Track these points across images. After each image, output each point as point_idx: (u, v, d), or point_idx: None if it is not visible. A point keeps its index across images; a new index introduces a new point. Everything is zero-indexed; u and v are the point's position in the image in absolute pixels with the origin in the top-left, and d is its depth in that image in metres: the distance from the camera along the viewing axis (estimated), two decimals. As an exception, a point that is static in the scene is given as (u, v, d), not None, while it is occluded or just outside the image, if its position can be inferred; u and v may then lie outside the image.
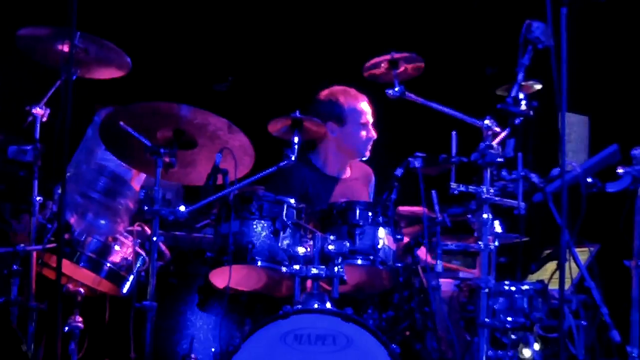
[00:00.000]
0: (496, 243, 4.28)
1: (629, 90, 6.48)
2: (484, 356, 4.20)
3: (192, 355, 4.72)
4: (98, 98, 4.97)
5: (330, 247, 4.27)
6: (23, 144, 4.64)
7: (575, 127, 6.28)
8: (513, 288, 4.30)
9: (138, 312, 4.24)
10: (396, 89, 4.71)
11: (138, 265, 4.75)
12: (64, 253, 4.59)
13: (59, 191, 4.31)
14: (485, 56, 6.54)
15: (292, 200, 4.40)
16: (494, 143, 4.33)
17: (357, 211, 4.42)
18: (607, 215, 4.62)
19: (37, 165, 4.64)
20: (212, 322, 4.80)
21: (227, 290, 4.33)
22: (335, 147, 5.29)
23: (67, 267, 4.69)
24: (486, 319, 4.22)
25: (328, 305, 4.24)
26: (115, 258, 4.74)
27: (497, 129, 4.39)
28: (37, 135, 4.72)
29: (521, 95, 4.28)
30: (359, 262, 4.38)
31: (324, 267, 4.25)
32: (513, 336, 4.28)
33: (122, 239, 4.77)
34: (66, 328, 4.71)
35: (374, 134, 5.27)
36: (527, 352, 4.32)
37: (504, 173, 4.31)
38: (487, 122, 4.38)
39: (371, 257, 4.39)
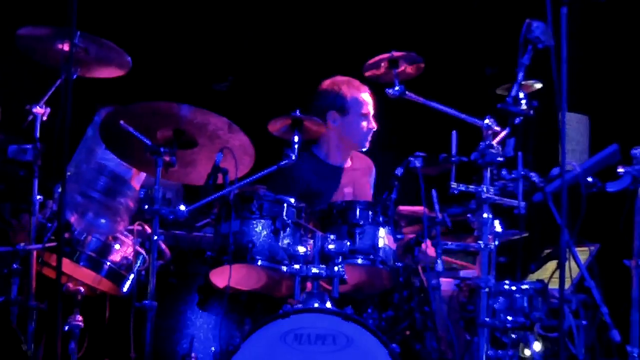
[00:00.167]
0: (496, 242, 4.28)
1: (629, 90, 6.48)
2: (484, 356, 4.20)
3: (192, 355, 4.71)
4: (98, 97, 4.97)
5: (331, 246, 4.28)
6: (23, 143, 4.63)
7: (575, 126, 6.28)
8: (513, 288, 4.30)
9: (138, 311, 4.24)
10: (396, 89, 4.71)
11: (138, 264, 4.75)
12: (64, 252, 4.60)
13: (59, 190, 4.31)
14: (486, 56, 6.54)
15: (292, 200, 4.41)
16: (494, 143, 4.33)
17: (357, 211, 4.42)
18: (607, 215, 4.62)
19: (37, 164, 4.64)
20: (212, 321, 4.80)
21: (227, 289, 4.33)
22: (336, 137, 5.31)
23: (67, 266, 4.69)
24: (486, 319, 4.22)
25: (328, 304, 4.24)
26: (116, 257, 4.74)
27: (497, 129, 4.39)
28: (37, 135, 4.72)
29: (521, 95, 4.27)
30: (359, 261, 4.39)
31: (324, 266, 4.26)
32: (513, 336, 4.28)
33: (122, 238, 4.77)
34: (66, 327, 4.70)
35: (374, 125, 5.30)
36: (528, 352, 4.32)
37: (504, 172, 4.31)
38: (487, 121, 4.38)
39: (371, 257, 4.39)
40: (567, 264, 4.04)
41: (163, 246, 4.74)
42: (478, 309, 4.24)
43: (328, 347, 4.09)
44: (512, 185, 4.31)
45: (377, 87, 5.13)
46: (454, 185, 4.26)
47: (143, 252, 4.75)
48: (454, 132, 4.35)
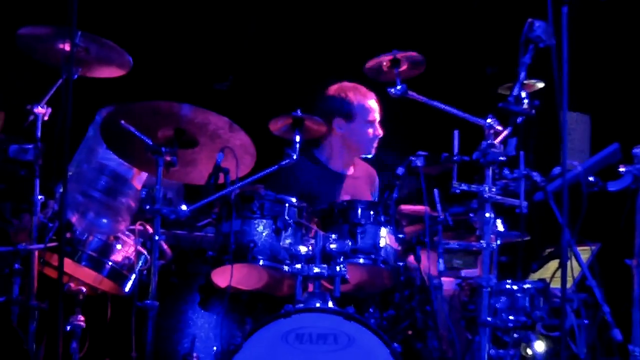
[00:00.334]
0: (498, 242, 4.28)
1: (630, 89, 6.48)
2: (485, 355, 4.20)
3: (194, 355, 4.71)
4: (99, 97, 4.96)
5: (332, 246, 4.27)
6: (24, 143, 4.63)
7: (576, 126, 6.28)
8: (515, 287, 4.30)
9: (139, 311, 4.25)
10: (398, 88, 4.71)
11: (139, 264, 4.75)
12: (66, 252, 4.60)
13: (60, 190, 4.31)
14: (487, 55, 6.54)
15: (294, 199, 4.41)
16: (496, 142, 4.33)
17: (359, 210, 4.42)
18: (608, 214, 4.62)
19: (38, 164, 4.64)
20: (213, 321, 4.80)
21: (228, 289, 4.33)
22: (341, 143, 5.30)
23: (69, 266, 4.69)
24: (488, 318, 4.22)
25: (330, 304, 4.24)
26: (117, 257, 4.74)
27: (499, 128, 4.39)
28: (38, 135, 4.72)
29: (523, 94, 4.27)
30: (361, 261, 4.39)
31: (325, 266, 4.25)
32: (515, 335, 4.28)
33: (123, 238, 4.77)
34: (67, 327, 4.70)
35: (380, 132, 5.29)
36: (530, 351, 4.32)
37: (505, 172, 4.31)
38: (489, 121, 4.38)
39: (373, 256, 4.39)
40: (568, 263, 4.04)
41: (164, 246, 4.74)
42: (479, 308, 4.24)
43: (329, 346, 4.09)
44: (513, 184, 4.31)
45: (379, 87, 5.12)
46: (455, 184, 4.26)
47: (144, 251, 4.75)
48: (455, 132, 4.35)
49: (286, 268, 4.26)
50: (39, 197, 4.65)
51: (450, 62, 6.51)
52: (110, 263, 4.72)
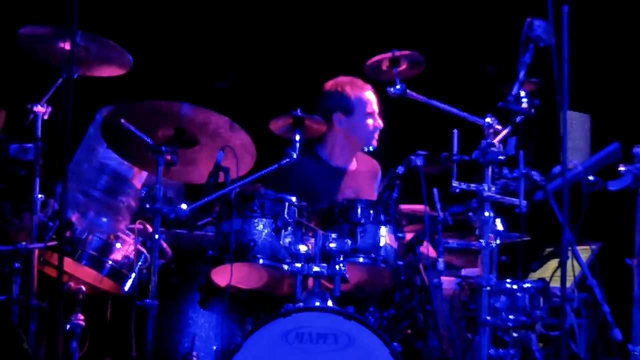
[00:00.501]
0: (497, 241, 4.28)
1: (631, 88, 6.47)
2: (485, 355, 4.20)
3: (194, 354, 4.71)
4: (99, 96, 4.97)
5: (332, 245, 4.27)
6: (24, 143, 4.63)
7: (576, 125, 6.28)
8: (514, 286, 4.30)
9: (139, 310, 4.25)
10: (397, 87, 4.71)
11: (139, 263, 4.75)
12: (66, 251, 4.60)
13: (60, 189, 4.31)
14: (487, 54, 6.54)
15: (294, 199, 4.40)
16: (496, 141, 4.33)
17: (359, 209, 4.42)
18: (608, 214, 4.62)
19: (39, 163, 4.64)
20: (213, 320, 4.79)
21: (228, 288, 4.33)
22: (342, 138, 5.31)
23: (69, 265, 4.69)
24: (488, 318, 4.22)
25: (329, 303, 4.24)
26: (117, 256, 4.74)
27: (499, 127, 4.39)
28: (39, 134, 4.72)
29: (522, 94, 4.27)
30: (361, 260, 4.39)
31: (325, 265, 4.25)
32: (515, 334, 4.28)
33: (123, 237, 4.77)
34: (67, 326, 4.70)
35: (380, 123, 5.30)
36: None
37: (505, 171, 4.31)
38: (488, 120, 4.38)
39: (373, 256, 4.39)
40: (568, 262, 4.04)
41: (164, 245, 4.73)
42: (479, 308, 4.24)
43: (329, 346, 4.09)
44: (513, 184, 4.31)
45: (378, 86, 5.13)
46: (455, 184, 4.26)
47: (144, 251, 4.75)
48: (455, 131, 4.35)
49: (286, 267, 4.26)
50: (39, 196, 4.65)
51: (450, 61, 6.51)
52: (110, 262, 4.72)
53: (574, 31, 3.84)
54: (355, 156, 5.41)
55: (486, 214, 4.27)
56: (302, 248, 4.27)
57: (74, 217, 4.67)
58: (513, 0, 5.81)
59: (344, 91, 5.28)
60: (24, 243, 4.60)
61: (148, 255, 4.71)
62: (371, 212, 4.43)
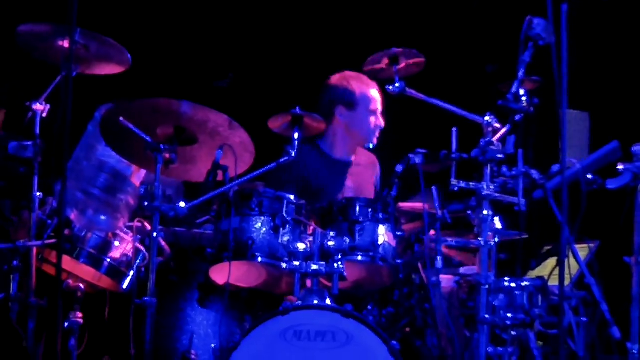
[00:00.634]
0: (496, 239, 4.28)
1: (630, 86, 6.47)
2: (484, 353, 4.20)
3: (192, 352, 4.72)
4: (98, 94, 4.96)
5: (330, 243, 4.28)
6: (23, 140, 4.63)
7: (575, 123, 6.27)
8: (513, 285, 4.30)
9: (138, 308, 4.24)
10: (397, 85, 4.71)
11: (138, 261, 4.75)
12: (64, 249, 4.60)
13: (59, 187, 4.31)
14: (486, 52, 6.54)
15: (292, 197, 4.40)
16: (495, 140, 4.33)
17: (357, 207, 4.42)
18: (607, 212, 4.62)
19: (38, 161, 4.64)
20: (212, 318, 4.80)
21: (227, 286, 4.33)
22: (343, 131, 5.31)
23: (67, 263, 4.69)
24: (486, 316, 4.22)
25: (328, 301, 4.24)
26: (115, 254, 4.74)
27: (498, 126, 4.39)
28: (38, 132, 4.72)
29: (522, 92, 4.27)
30: (359, 258, 4.39)
31: (323, 263, 4.26)
32: (513, 333, 4.28)
33: (122, 235, 4.77)
34: (66, 324, 4.70)
35: (382, 122, 5.30)
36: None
37: (504, 170, 4.31)
38: (487, 118, 4.38)
39: (371, 254, 4.39)
40: (567, 261, 4.04)
41: (163, 243, 4.74)
42: (478, 306, 4.24)
43: (328, 343, 4.09)
44: (512, 182, 4.31)
45: (377, 84, 5.13)
46: (454, 182, 4.26)
47: (143, 249, 4.75)
48: (454, 129, 4.35)
49: (284, 265, 4.26)
50: (38, 194, 4.65)
51: (450, 59, 6.51)
52: (108, 260, 4.72)
53: (573, 30, 3.84)
54: (355, 150, 5.41)
55: (485, 212, 4.27)
56: (301, 246, 4.28)
57: (73, 215, 4.67)
58: (513, -2, 5.81)
59: (349, 85, 5.28)
60: (22, 241, 4.60)
61: (147, 253, 4.71)
62: (370, 210, 4.43)
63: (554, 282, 4.26)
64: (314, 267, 4.24)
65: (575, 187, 4.35)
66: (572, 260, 4.36)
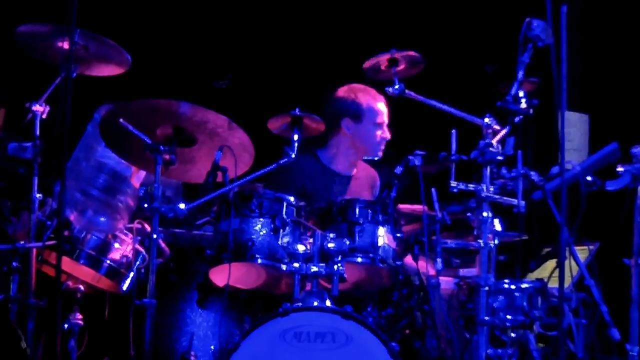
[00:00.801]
0: (496, 241, 4.28)
1: (629, 88, 6.47)
2: (483, 354, 4.20)
3: (192, 353, 4.72)
4: (98, 95, 4.96)
5: (330, 244, 4.28)
6: (23, 141, 4.63)
7: (575, 125, 6.28)
8: (513, 286, 4.30)
9: (138, 309, 4.24)
10: (396, 87, 4.71)
11: (138, 262, 4.75)
12: (64, 250, 4.60)
13: (59, 188, 4.31)
14: (485, 54, 6.54)
15: (292, 198, 4.41)
16: (494, 141, 4.32)
17: (357, 209, 4.42)
18: (606, 214, 4.62)
19: (37, 162, 4.64)
20: (211, 319, 4.80)
21: (226, 287, 4.33)
22: (348, 144, 5.30)
23: (67, 264, 4.69)
24: (486, 317, 4.22)
25: (327, 302, 4.24)
26: (115, 255, 4.74)
27: (497, 127, 4.39)
28: (37, 133, 4.72)
29: (521, 94, 4.27)
30: (359, 260, 4.39)
31: (323, 264, 4.26)
32: (512, 334, 4.28)
33: (121, 236, 4.77)
34: (66, 325, 4.71)
35: (388, 135, 5.30)
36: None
37: (503, 171, 4.31)
38: (486, 120, 4.38)
39: (371, 255, 4.39)
40: (566, 262, 4.04)
41: (162, 244, 4.74)
42: (477, 308, 4.24)
43: (327, 345, 4.09)
44: (511, 183, 4.31)
45: (377, 86, 5.13)
46: (453, 183, 4.26)
47: (142, 250, 4.75)
48: (453, 131, 4.35)
49: (284, 267, 4.26)
50: (38, 195, 4.65)
51: (449, 61, 6.51)
52: (108, 261, 4.72)
53: (573, 31, 3.84)
54: (357, 163, 5.40)
55: (484, 213, 4.27)
56: (300, 247, 4.28)
57: (72, 216, 4.67)
58: (512, 0, 5.82)
59: (356, 98, 5.28)
60: (22, 242, 4.60)
61: (146, 255, 4.71)
62: (369, 211, 4.43)
63: (553, 283, 4.26)
64: (314, 268, 4.24)
65: (575, 188, 4.35)
66: (571, 261, 4.37)
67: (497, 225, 4.30)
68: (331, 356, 4.08)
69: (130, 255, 4.74)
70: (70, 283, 4.79)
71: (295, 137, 4.46)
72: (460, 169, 4.31)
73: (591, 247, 4.78)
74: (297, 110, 4.47)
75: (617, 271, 4.56)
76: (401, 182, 4.51)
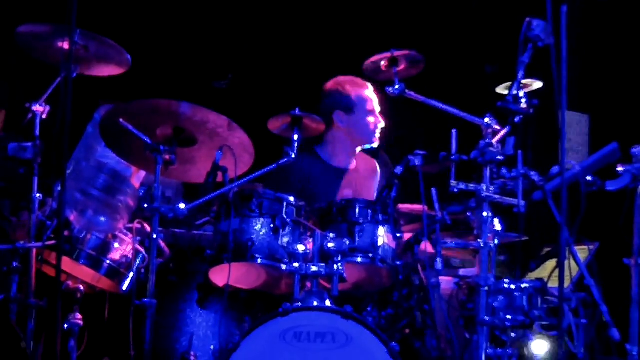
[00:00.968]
0: (496, 241, 4.28)
1: (629, 88, 6.48)
2: (483, 354, 4.20)
3: (192, 353, 4.72)
4: (98, 95, 4.97)
5: (330, 244, 4.27)
6: (23, 141, 4.63)
7: (575, 125, 6.29)
8: (512, 286, 4.30)
9: (137, 309, 4.24)
10: (396, 87, 4.71)
11: (137, 262, 4.75)
12: (64, 250, 4.60)
13: (59, 188, 4.31)
14: (485, 54, 6.54)
15: (292, 198, 4.40)
16: (494, 141, 4.32)
17: (357, 209, 4.42)
18: (606, 214, 4.62)
19: (37, 162, 4.64)
20: (211, 319, 4.80)
21: (226, 287, 4.33)
22: (344, 136, 5.30)
23: (67, 264, 4.69)
24: (485, 317, 4.22)
25: (327, 303, 4.24)
26: (115, 255, 4.74)
27: (497, 127, 4.39)
28: (37, 133, 4.72)
29: (521, 94, 4.27)
30: (359, 260, 4.39)
31: (323, 264, 4.25)
32: (512, 334, 4.28)
33: (121, 236, 4.77)
34: (66, 325, 4.70)
35: (381, 121, 5.30)
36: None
37: (503, 171, 4.31)
38: (487, 120, 4.38)
39: (371, 255, 4.39)
40: (566, 262, 4.04)
41: (162, 244, 4.74)
42: (477, 308, 4.24)
43: (327, 345, 4.09)
44: (511, 183, 4.31)
45: (377, 85, 5.13)
46: (453, 183, 4.26)
47: (142, 250, 4.75)
48: (453, 131, 4.35)
49: (284, 267, 4.26)
50: (38, 195, 4.65)
51: (449, 61, 6.51)
52: (108, 261, 4.72)
53: (573, 31, 3.84)
54: (355, 155, 5.40)
55: (484, 213, 4.27)
56: (300, 247, 4.28)
57: (72, 216, 4.67)
58: (512, 0, 5.82)
59: (344, 90, 5.28)
60: (22, 242, 4.60)
61: (146, 255, 4.71)
62: (369, 211, 4.43)
63: (553, 283, 4.26)
64: (314, 268, 4.24)
65: (575, 188, 4.35)
66: (571, 261, 4.37)
67: (497, 225, 4.30)
68: (331, 356, 4.08)
69: (130, 255, 4.74)
70: (70, 283, 4.79)
71: (295, 137, 4.46)
72: (461, 169, 4.31)
73: (591, 247, 4.78)
74: (297, 110, 4.47)
75: (617, 271, 4.56)
76: (402, 182, 4.51)
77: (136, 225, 4.69)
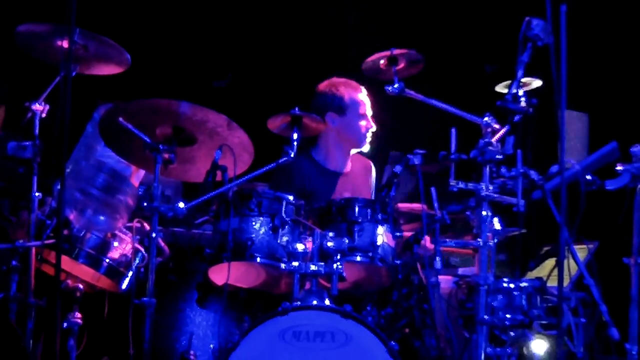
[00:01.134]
0: (495, 240, 4.28)
1: (629, 87, 6.48)
2: (482, 353, 4.20)
3: (191, 352, 4.71)
4: (97, 95, 4.96)
5: (329, 244, 4.28)
6: (22, 141, 4.63)
7: (574, 124, 6.28)
8: (512, 285, 4.30)
9: (137, 308, 4.24)
10: (396, 86, 4.71)
11: (137, 261, 4.75)
12: (63, 249, 4.59)
13: (58, 187, 4.31)
14: (485, 53, 6.54)
15: (291, 197, 4.40)
16: (494, 140, 4.32)
17: (356, 208, 4.42)
18: (606, 213, 4.62)
19: (37, 161, 4.64)
20: (210, 318, 4.80)
21: (226, 287, 4.33)
22: (335, 138, 5.30)
23: (66, 263, 4.69)
24: (485, 316, 4.22)
25: (327, 302, 4.24)
26: (114, 254, 4.74)
27: (497, 126, 4.39)
28: (37, 132, 4.72)
29: (520, 93, 4.27)
30: (358, 259, 4.38)
31: (322, 264, 4.25)
32: (512, 333, 4.28)
33: (121, 235, 4.77)
34: (65, 324, 4.70)
35: (372, 125, 5.29)
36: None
37: (503, 170, 4.31)
38: (486, 119, 4.38)
39: (370, 255, 4.39)
40: (566, 261, 4.04)
41: (162, 243, 4.74)
42: (477, 307, 4.24)
43: (327, 344, 4.09)
44: (511, 182, 4.31)
45: (376, 85, 5.13)
46: (453, 182, 4.26)
47: (142, 249, 4.75)
48: (453, 130, 4.35)
49: (283, 266, 4.26)
50: (37, 194, 4.65)
51: (449, 60, 6.51)
52: (107, 260, 4.72)
53: (572, 30, 3.84)
54: (349, 156, 5.40)
55: (484, 212, 4.27)
56: (300, 247, 4.28)
57: (72, 215, 4.67)
58: (512, 0, 5.82)
59: (337, 91, 5.28)
60: (21, 241, 4.60)
61: (145, 254, 4.71)
62: (368, 210, 4.43)
63: (553, 283, 4.26)
64: (313, 267, 4.24)
65: (574, 187, 4.35)
66: (571, 261, 4.36)
67: (497, 224, 4.30)
68: (330, 355, 4.08)
69: (129, 254, 4.74)
70: (69, 282, 4.78)
71: (295, 136, 4.47)
72: (460, 168, 4.31)
73: (590, 246, 4.78)
74: (296, 110, 4.47)
75: (617, 270, 4.56)
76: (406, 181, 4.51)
77: (136, 224, 4.69)
